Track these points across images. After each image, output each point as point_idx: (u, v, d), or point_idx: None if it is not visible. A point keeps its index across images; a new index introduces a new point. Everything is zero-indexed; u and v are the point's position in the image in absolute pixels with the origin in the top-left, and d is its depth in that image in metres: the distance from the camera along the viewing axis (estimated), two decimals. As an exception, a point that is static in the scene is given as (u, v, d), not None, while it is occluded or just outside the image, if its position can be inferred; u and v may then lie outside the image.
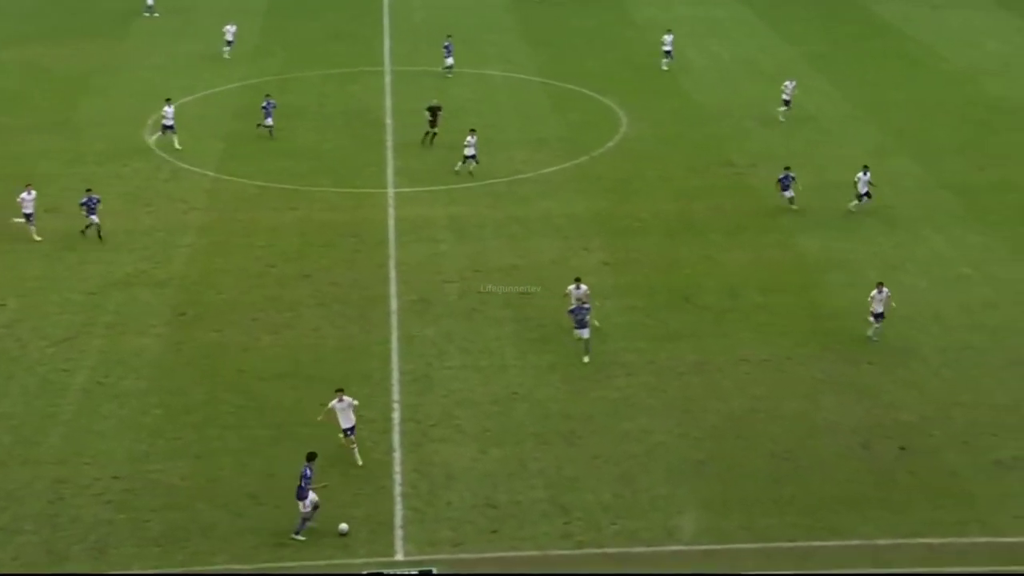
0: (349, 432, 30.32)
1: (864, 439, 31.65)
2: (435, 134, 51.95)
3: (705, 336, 36.69)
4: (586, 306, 35.52)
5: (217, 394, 33.81)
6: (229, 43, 65.35)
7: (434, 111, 52.14)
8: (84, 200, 43.20)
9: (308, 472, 28.17)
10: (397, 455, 30.65)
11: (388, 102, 58.55)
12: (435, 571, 26.77)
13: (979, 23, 72.53)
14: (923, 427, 32.17)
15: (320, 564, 27.22)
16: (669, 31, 64.05)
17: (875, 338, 35.96)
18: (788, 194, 45.32)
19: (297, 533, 28.00)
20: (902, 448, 31.21)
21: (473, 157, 48.57)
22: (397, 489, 29.68)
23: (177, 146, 51.35)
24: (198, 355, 35.81)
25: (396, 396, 33.69)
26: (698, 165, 50.57)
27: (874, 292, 36.19)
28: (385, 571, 26.75)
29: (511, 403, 33.41)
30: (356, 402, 30.76)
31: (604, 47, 68.03)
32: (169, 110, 51.67)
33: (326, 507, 28.66)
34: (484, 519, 28.70)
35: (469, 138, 48.64)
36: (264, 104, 53.43)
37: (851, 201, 45.17)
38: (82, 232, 43.05)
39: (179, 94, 58.78)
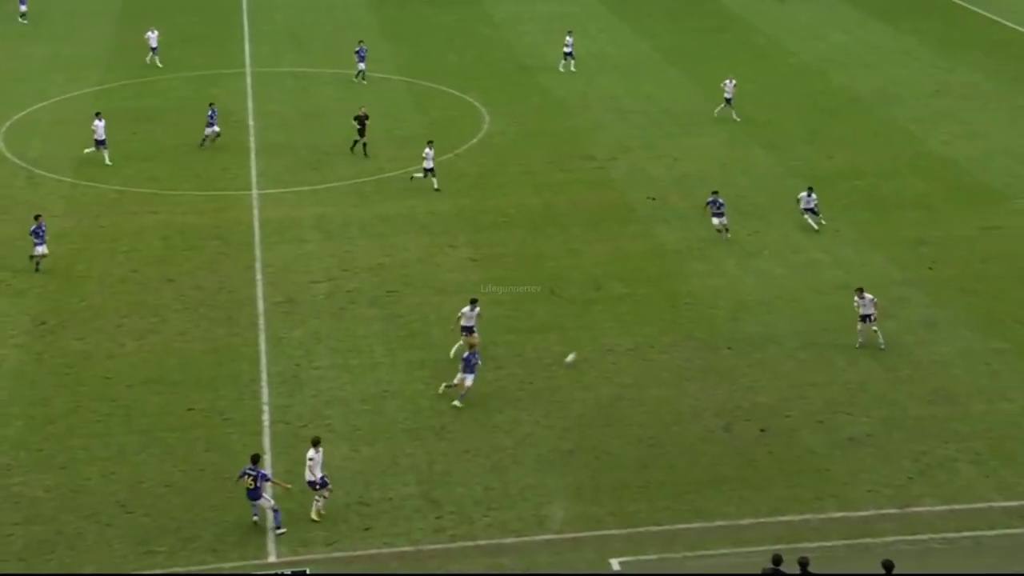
0: (315, 485, 28.65)
1: (726, 422, 32.26)
2: (365, 143, 50.54)
3: (570, 327, 36.97)
4: (478, 354, 33.21)
5: (81, 403, 32.92)
6: (154, 49, 63.11)
7: (361, 120, 50.62)
8: (34, 228, 40.53)
9: (261, 472, 27.82)
10: (268, 457, 30.24)
11: (250, 104, 57.70)
12: (308, 571, 26.48)
13: (823, 16, 74.44)
14: (781, 408, 32.91)
15: (192, 569, 26.72)
16: (570, 32, 64.15)
17: (882, 346, 35.55)
18: (720, 221, 42.56)
19: (278, 527, 27.72)
20: (762, 430, 31.89)
21: (432, 170, 47.05)
22: (269, 491, 29.28)
23: (107, 162, 49.38)
24: (61, 364, 34.82)
25: (265, 398, 33.22)
26: (559, 159, 50.94)
27: (856, 299, 35.97)
28: (258, 573, 26.39)
29: (381, 400, 33.22)
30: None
31: (464, 44, 68.06)
32: (100, 124, 49.30)
33: (198, 510, 28.18)
34: (357, 517, 28.49)
35: (427, 151, 47.23)
36: (209, 113, 51.47)
37: (806, 218, 44.12)
38: (33, 263, 40.37)
39: (33, 99, 57.11)
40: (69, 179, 48.21)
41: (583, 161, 50.75)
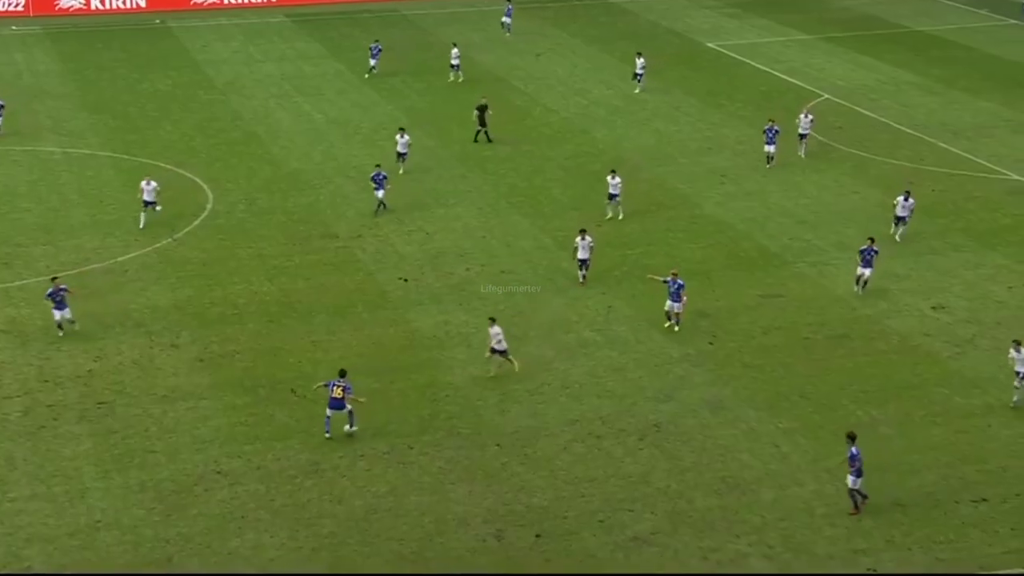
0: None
1: (497, 529, 32.62)
2: (486, 132, 62.31)
3: (317, 432, 36.78)
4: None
5: None
6: None
7: (482, 109, 62.43)
8: (51, 291, 42.93)
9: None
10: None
11: (-76, 188, 55.80)
12: None
13: (583, 71, 77.00)
14: (557, 509, 33.52)
15: None
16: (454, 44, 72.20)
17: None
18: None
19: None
20: (538, 535, 32.37)
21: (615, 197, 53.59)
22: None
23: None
24: None
25: (-48, 540, 32.03)
26: (297, 239, 50.91)
27: (1012, 352, 38.40)
28: None
29: (93, 533, 32.20)
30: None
31: (181, 113, 67.42)
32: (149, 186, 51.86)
33: None
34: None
35: (611, 179, 53.51)
36: None
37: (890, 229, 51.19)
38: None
39: None
40: None
41: (324, 240, 50.85)
